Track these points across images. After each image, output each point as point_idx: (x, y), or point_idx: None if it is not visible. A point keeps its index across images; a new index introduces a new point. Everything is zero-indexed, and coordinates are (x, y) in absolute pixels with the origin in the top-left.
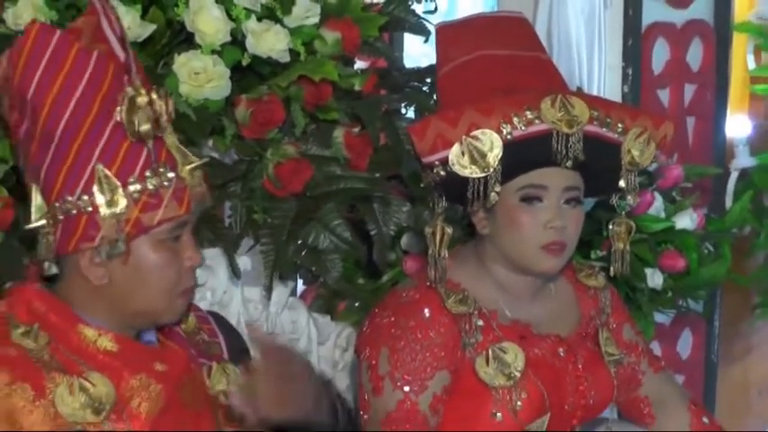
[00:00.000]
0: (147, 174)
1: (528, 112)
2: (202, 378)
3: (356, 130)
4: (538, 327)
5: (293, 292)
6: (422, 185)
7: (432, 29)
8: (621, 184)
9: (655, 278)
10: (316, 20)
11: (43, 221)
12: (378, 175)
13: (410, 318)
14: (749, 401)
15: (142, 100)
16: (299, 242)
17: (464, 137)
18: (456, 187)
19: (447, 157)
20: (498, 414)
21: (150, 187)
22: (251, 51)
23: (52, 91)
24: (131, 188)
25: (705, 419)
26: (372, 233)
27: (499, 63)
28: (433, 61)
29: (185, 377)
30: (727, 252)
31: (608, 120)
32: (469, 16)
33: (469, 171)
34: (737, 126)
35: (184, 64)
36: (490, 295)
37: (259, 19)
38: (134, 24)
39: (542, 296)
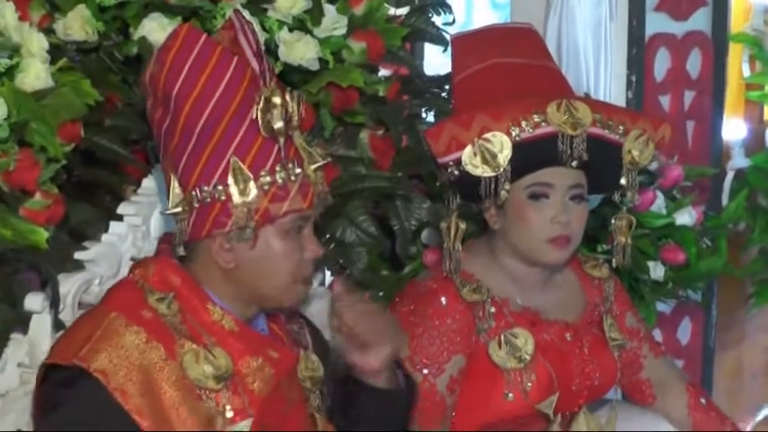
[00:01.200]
0: (277, 168)
1: (535, 116)
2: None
3: (380, 132)
4: (546, 314)
5: (322, 283)
6: (438, 184)
7: (448, 39)
8: (623, 181)
9: (656, 270)
10: (343, 31)
11: (179, 209)
12: (400, 174)
13: (428, 306)
14: (743, 385)
15: (277, 99)
16: (328, 236)
17: (476, 139)
18: (469, 186)
19: (460, 158)
20: (510, 394)
21: (279, 180)
22: (283, 59)
23: (195, 89)
24: (262, 180)
25: (702, 400)
26: (395, 228)
27: (510, 71)
28: (448, 70)
29: (292, 371)
30: (724, 246)
31: (610, 122)
32: (483, 27)
33: (481, 170)
34: (733, 129)
35: None
36: (502, 285)
37: (291, 30)
38: None
39: (550, 285)
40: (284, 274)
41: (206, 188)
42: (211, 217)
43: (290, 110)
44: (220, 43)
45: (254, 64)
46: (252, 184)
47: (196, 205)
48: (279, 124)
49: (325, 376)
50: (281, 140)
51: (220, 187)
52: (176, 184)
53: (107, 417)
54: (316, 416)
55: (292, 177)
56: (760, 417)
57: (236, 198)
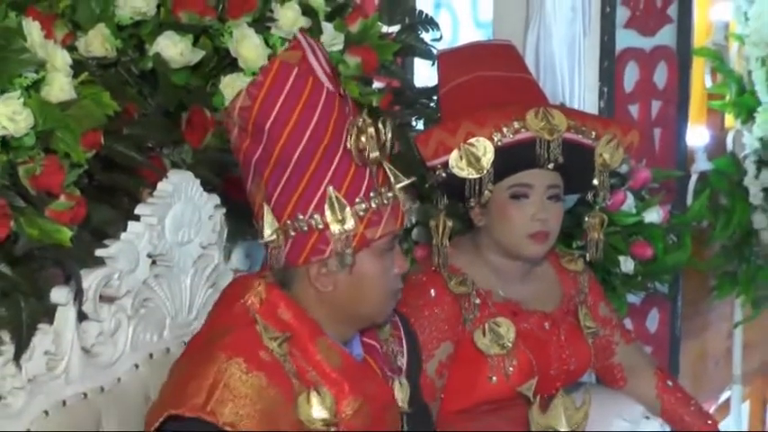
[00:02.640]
0: (371, 194)
1: (515, 123)
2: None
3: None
4: (526, 304)
5: None
6: (427, 186)
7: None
8: (595, 182)
9: (627, 264)
10: (340, 46)
11: (274, 236)
12: None
13: (419, 297)
14: (707, 370)
15: (371, 130)
16: None
17: (462, 144)
18: (455, 186)
19: (447, 161)
20: (494, 378)
21: (374, 206)
22: None
23: (290, 122)
24: (358, 207)
25: (669, 383)
26: None
27: (491, 82)
28: (435, 82)
29: (389, 403)
30: (688, 242)
31: (583, 128)
32: (466, 44)
33: (466, 173)
34: (696, 136)
35: (229, 84)
36: (486, 278)
37: None
38: (186, 51)
39: (530, 278)
40: (380, 292)
41: (302, 217)
42: (309, 245)
43: (383, 138)
44: (294, 66)
45: (330, 85)
46: (348, 212)
47: (293, 234)
48: (375, 154)
49: (411, 403)
50: (373, 167)
51: (317, 216)
52: (270, 214)
53: None
54: None
55: (385, 201)
56: (722, 398)
57: (334, 226)
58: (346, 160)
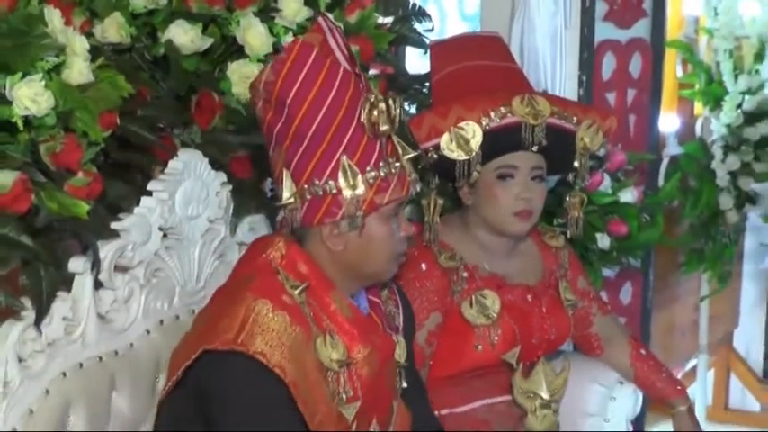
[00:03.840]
0: (381, 164)
1: (502, 108)
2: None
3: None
4: (511, 278)
5: None
6: (419, 167)
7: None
8: (576, 164)
9: (603, 240)
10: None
11: (292, 200)
12: None
13: (410, 271)
14: (675, 340)
15: (382, 105)
16: None
17: (452, 127)
18: (446, 167)
19: (439, 144)
20: (480, 346)
21: (382, 174)
22: None
23: (308, 98)
24: (368, 175)
25: (642, 351)
26: None
27: (480, 71)
28: (427, 70)
29: (391, 356)
30: (660, 221)
31: (565, 114)
32: (456, 35)
33: (456, 154)
34: (668, 122)
35: (236, 70)
36: (473, 253)
37: (295, 35)
38: (196, 38)
39: (514, 254)
40: (386, 253)
41: (318, 182)
42: (323, 207)
43: (393, 113)
44: (313, 44)
45: (346, 65)
46: (360, 179)
47: (308, 197)
48: (385, 127)
49: (408, 358)
50: (383, 140)
51: (331, 182)
52: (289, 178)
53: (275, 387)
54: (393, 405)
55: (393, 170)
56: (689, 366)
57: (346, 191)
58: (359, 133)
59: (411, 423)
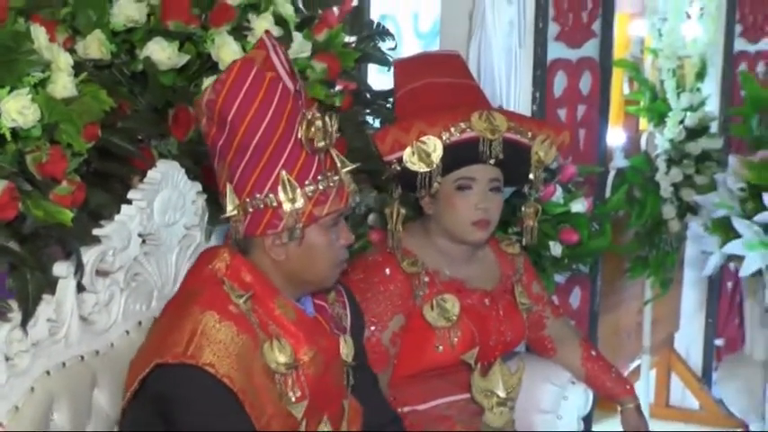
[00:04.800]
0: (320, 177)
1: (462, 123)
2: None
3: (338, 134)
4: (470, 283)
5: None
6: (383, 178)
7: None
8: (531, 176)
9: (555, 248)
10: (308, 54)
11: (235, 212)
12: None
13: (375, 275)
14: (620, 341)
15: (318, 123)
16: None
17: (414, 141)
18: (408, 179)
19: (402, 157)
20: (440, 347)
21: (321, 188)
22: None
23: (248, 115)
24: (307, 189)
25: (593, 352)
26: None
27: (441, 87)
28: (389, 86)
29: (336, 355)
30: (608, 229)
31: (521, 129)
32: (418, 54)
33: (418, 167)
34: (615, 136)
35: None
36: (434, 259)
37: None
38: (173, 55)
39: (473, 260)
40: (326, 261)
41: (258, 196)
42: (265, 220)
43: (329, 129)
44: (255, 59)
45: (289, 83)
46: (299, 192)
47: (250, 210)
48: (321, 143)
49: (356, 357)
50: (321, 154)
51: (272, 195)
52: (232, 192)
53: (223, 396)
54: (343, 403)
55: (331, 183)
56: (633, 365)
57: (286, 205)
58: (297, 148)
59: (363, 417)
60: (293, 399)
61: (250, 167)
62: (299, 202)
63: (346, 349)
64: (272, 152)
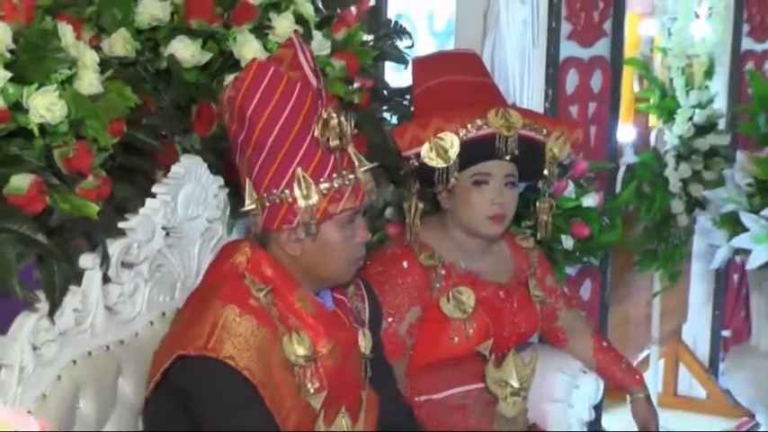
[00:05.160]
0: (334, 175)
1: (478, 120)
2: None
3: (355, 131)
4: (485, 275)
5: None
6: (401, 173)
7: (409, 59)
8: (545, 172)
9: (567, 242)
10: (327, 51)
11: (253, 206)
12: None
13: (393, 268)
14: (629, 332)
15: (334, 121)
16: None
17: (432, 137)
18: (426, 174)
19: (420, 153)
20: (456, 338)
21: (336, 185)
22: None
23: (266, 112)
24: (322, 186)
25: (604, 343)
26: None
27: (458, 85)
28: (405, 84)
29: (355, 348)
30: (618, 224)
31: (536, 126)
32: (436, 52)
33: (436, 162)
34: (625, 133)
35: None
36: (450, 252)
37: None
38: (196, 53)
39: (488, 253)
40: (341, 258)
41: (275, 191)
42: (280, 215)
43: (344, 128)
44: (283, 59)
45: (312, 80)
46: (313, 189)
47: (267, 205)
48: (335, 142)
49: (373, 350)
50: (337, 153)
51: (287, 191)
52: (251, 187)
53: (243, 389)
54: (361, 395)
55: (346, 182)
56: (642, 356)
57: (301, 201)
58: (314, 146)
59: (379, 408)
60: (312, 390)
61: (267, 163)
62: (314, 199)
63: (365, 342)
64: (289, 149)
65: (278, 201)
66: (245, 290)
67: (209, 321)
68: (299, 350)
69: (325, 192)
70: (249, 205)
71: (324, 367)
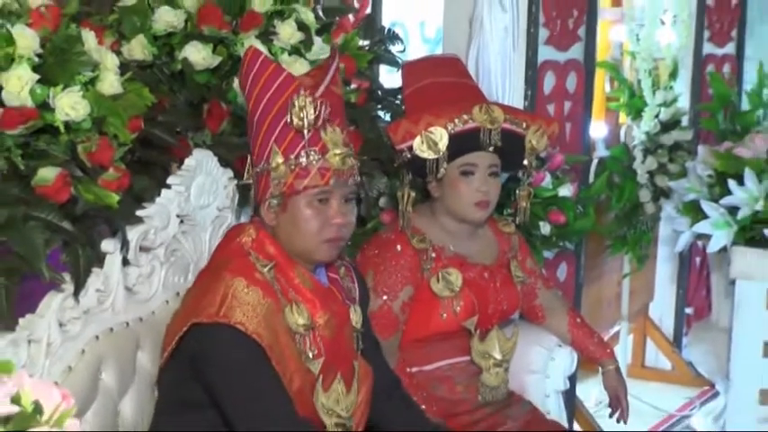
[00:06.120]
0: (302, 154)
1: (464, 115)
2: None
3: (352, 128)
4: (471, 258)
5: None
6: (395, 165)
7: (401, 62)
8: (525, 163)
9: (545, 228)
10: (327, 55)
11: (250, 180)
12: (365, 157)
13: (387, 251)
14: (602, 310)
15: (300, 107)
16: None
17: (423, 132)
18: (418, 165)
19: (412, 146)
20: (444, 315)
21: (303, 163)
22: None
23: (254, 95)
24: (290, 162)
25: (578, 320)
26: (361, 195)
27: (443, 86)
28: (397, 85)
29: (347, 321)
30: (591, 212)
31: (516, 120)
32: (424, 57)
33: (426, 154)
34: (598, 129)
35: None
36: (440, 237)
37: (289, 54)
38: (207, 56)
39: (474, 237)
40: (310, 234)
41: (259, 165)
42: (261, 186)
43: (309, 114)
44: (262, 54)
45: (325, 84)
46: (282, 164)
47: (256, 177)
48: (299, 123)
49: (363, 325)
50: (307, 134)
51: (266, 165)
52: (249, 163)
53: (254, 351)
54: (354, 364)
55: (313, 162)
56: (612, 331)
57: (273, 173)
58: (288, 127)
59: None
60: (311, 356)
61: (255, 140)
62: (282, 171)
63: (356, 317)
64: (268, 127)
65: (261, 173)
66: (251, 265)
67: (220, 292)
68: (299, 320)
69: (292, 167)
70: (246, 179)
71: (321, 336)
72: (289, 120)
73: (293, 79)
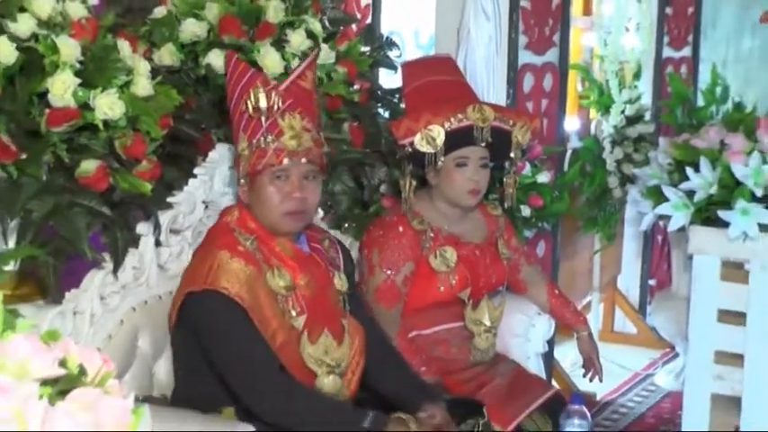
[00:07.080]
0: (260, 137)
1: (459, 114)
2: (333, 283)
3: (356, 124)
4: (464, 237)
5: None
6: (397, 157)
7: (398, 66)
8: (512, 155)
9: (525, 210)
10: (332, 60)
11: (232, 164)
12: (368, 150)
13: (390, 232)
14: (576, 282)
15: (255, 97)
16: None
17: (423, 129)
18: (418, 158)
19: (413, 141)
20: (441, 287)
21: (262, 145)
22: None
23: (229, 92)
24: (253, 144)
25: (556, 291)
26: (364, 183)
27: (440, 84)
28: (395, 85)
29: (329, 284)
30: (566, 196)
31: (504, 118)
32: (421, 57)
33: (426, 149)
34: (571, 123)
35: None
36: (437, 219)
37: (300, 59)
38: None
39: (466, 220)
40: (273, 207)
41: (236, 152)
42: (237, 167)
43: (261, 105)
44: (236, 55)
45: (290, 79)
46: (246, 149)
47: (235, 163)
48: (250, 111)
49: (349, 289)
50: (264, 121)
51: (237, 150)
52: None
53: (236, 311)
54: (342, 322)
55: (271, 144)
56: (585, 301)
57: (241, 157)
58: (251, 117)
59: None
60: (294, 314)
61: (233, 130)
62: (247, 155)
63: (340, 281)
64: (239, 117)
65: (236, 158)
66: (235, 240)
67: (207, 264)
68: (280, 282)
69: (253, 150)
70: (233, 164)
71: (302, 296)
72: (243, 108)
73: (257, 76)
